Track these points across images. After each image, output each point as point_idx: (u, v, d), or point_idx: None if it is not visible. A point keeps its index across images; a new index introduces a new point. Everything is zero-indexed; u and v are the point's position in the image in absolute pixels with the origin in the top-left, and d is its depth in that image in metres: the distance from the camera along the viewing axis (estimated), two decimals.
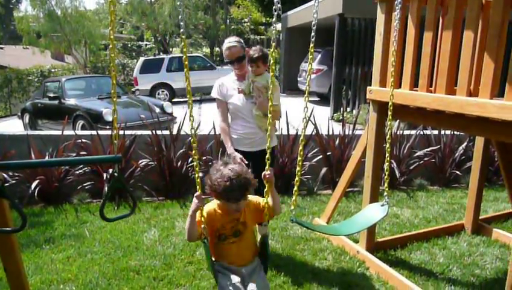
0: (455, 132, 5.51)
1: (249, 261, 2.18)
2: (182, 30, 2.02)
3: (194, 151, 2.07)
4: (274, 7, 2.01)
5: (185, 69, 2.03)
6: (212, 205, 2.14)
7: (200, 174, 2.05)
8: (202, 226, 2.07)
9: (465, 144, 5.49)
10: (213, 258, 2.17)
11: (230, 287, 2.05)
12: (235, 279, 2.09)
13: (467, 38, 2.45)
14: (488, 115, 2.27)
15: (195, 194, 2.02)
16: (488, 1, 2.65)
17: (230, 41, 3.23)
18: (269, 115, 2.20)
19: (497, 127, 2.34)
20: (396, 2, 2.46)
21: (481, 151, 3.74)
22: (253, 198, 2.18)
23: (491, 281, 3.12)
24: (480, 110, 2.32)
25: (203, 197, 2.04)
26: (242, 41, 3.30)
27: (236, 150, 3.21)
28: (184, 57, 2.03)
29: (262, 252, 2.23)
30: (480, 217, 3.98)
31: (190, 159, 4.87)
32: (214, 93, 3.31)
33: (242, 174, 1.97)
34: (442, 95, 2.61)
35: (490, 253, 3.53)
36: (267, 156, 2.12)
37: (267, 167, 2.09)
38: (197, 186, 2.04)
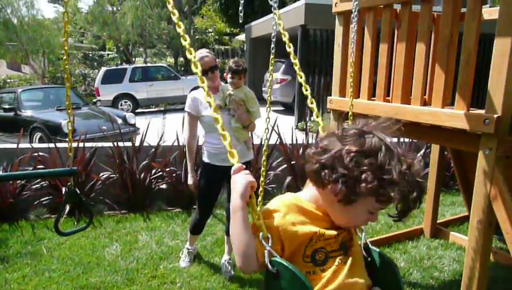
0: (413, 140, 5.71)
1: None
2: None
3: None
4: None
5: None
6: (296, 199, 1.17)
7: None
8: (261, 233, 1.06)
9: (422, 151, 5.70)
10: None
11: None
12: None
13: (420, 50, 2.56)
14: (441, 123, 2.38)
15: (236, 168, 1.12)
16: (439, 14, 2.78)
17: (202, 52, 3.17)
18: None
19: (450, 135, 2.45)
20: (352, 15, 2.53)
21: (437, 158, 3.90)
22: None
23: (449, 283, 3.24)
24: (433, 119, 2.42)
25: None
26: (212, 52, 3.32)
27: (213, 166, 3.13)
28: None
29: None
30: (438, 221, 4.13)
31: (154, 171, 4.79)
32: (186, 107, 3.17)
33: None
34: (399, 105, 2.70)
35: (448, 255, 3.67)
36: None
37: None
38: (234, 158, 1.14)
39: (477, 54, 2.23)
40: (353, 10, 2.49)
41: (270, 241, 1.04)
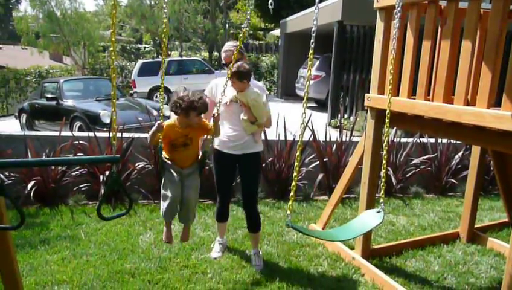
0: (452, 141, 5.54)
1: (190, 165, 2.85)
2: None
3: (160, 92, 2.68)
4: None
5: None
6: (172, 120, 2.79)
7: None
8: (160, 140, 2.74)
9: (461, 152, 5.53)
10: (165, 156, 2.83)
11: (170, 181, 2.80)
12: (175, 176, 2.81)
13: (465, 48, 2.47)
14: (485, 125, 2.29)
15: (158, 122, 2.69)
16: (486, 12, 2.68)
17: (228, 45, 3.28)
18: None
19: (494, 137, 2.37)
20: (395, 11, 2.48)
21: (477, 161, 3.76)
22: (204, 120, 2.86)
23: None
24: (477, 120, 2.33)
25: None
26: (239, 46, 3.28)
27: (222, 153, 3.23)
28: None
29: (202, 161, 2.90)
30: (475, 226, 4.00)
31: None
32: (206, 91, 3.31)
33: (197, 99, 2.68)
34: (440, 104, 2.63)
35: (485, 262, 3.55)
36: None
37: (216, 114, 2.78)
38: (161, 118, 2.68)
39: None
40: (396, 6, 2.43)
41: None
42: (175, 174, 2.82)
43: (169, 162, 2.83)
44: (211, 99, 3.23)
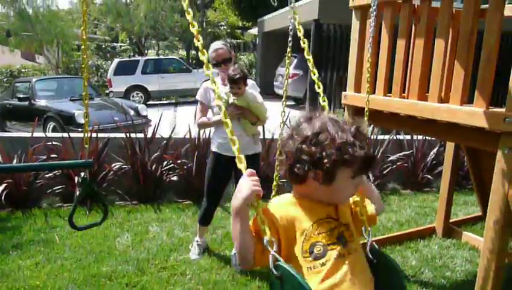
0: (427, 137, 5.65)
1: None
2: None
3: None
4: None
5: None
6: (285, 199, 1.24)
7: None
8: (266, 237, 1.08)
9: (436, 149, 5.64)
10: None
11: None
12: None
13: (438, 46, 2.51)
14: (458, 121, 2.34)
15: (247, 172, 1.13)
16: (458, 10, 2.73)
17: (217, 44, 3.26)
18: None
19: (467, 133, 2.41)
20: (371, 10, 2.49)
21: (451, 157, 3.84)
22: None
23: (461, 283, 3.20)
24: (450, 117, 2.38)
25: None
26: (228, 45, 3.33)
27: (220, 155, 3.19)
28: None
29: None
30: (450, 221, 4.09)
31: (165, 163, 4.81)
32: (198, 96, 3.27)
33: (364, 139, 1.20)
34: (415, 101, 2.66)
35: (460, 255, 3.63)
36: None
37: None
38: (241, 165, 1.14)
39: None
40: (372, 5, 2.45)
41: (274, 246, 1.07)
42: None
43: None
44: (204, 104, 3.23)
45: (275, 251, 1.06)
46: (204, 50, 1.18)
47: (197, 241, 3.56)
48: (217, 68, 3.23)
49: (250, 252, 1.14)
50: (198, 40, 1.17)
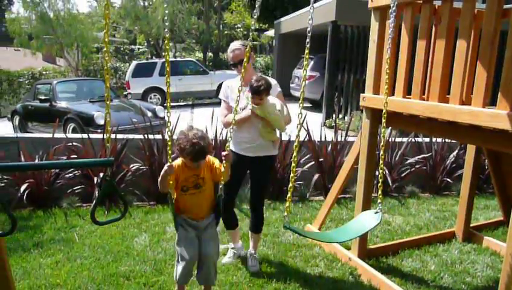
0: (446, 140, 5.56)
1: (205, 214, 2.60)
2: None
3: (168, 129, 2.39)
4: None
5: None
6: (179, 160, 2.52)
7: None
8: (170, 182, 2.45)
9: (456, 152, 5.54)
10: (177, 209, 2.57)
11: (186, 238, 2.53)
12: (192, 233, 2.56)
13: (460, 47, 2.47)
14: (481, 124, 2.29)
15: (167, 164, 2.38)
16: (480, 11, 2.68)
17: (235, 44, 3.22)
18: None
19: (489, 136, 2.37)
20: (390, 10, 2.47)
21: (472, 160, 3.77)
22: (210, 158, 2.62)
23: (482, 289, 3.13)
24: (472, 119, 2.33)
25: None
26: (246, 44, 3.11)
27: (236, 154, 3.15)
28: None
29: (217, 209, 2.66)
30: (471, 225, 4.01)
31: None
32: (220, 95, 3.27)
33: (202, 141, 2.39)
34: (436, 103, 2.62)
35: (481, 261, 3.55)
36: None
37: (226, 151, 2.56)
38: (169, 158, 2.41)
39: None
40: (391, 5, 2.43)
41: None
42: (190, 229, 2.56)
43: (184, 217, 2.57)
44: (226, 103, 3.22)
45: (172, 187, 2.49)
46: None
47: (230, 246, 3.54)
48: (234, 68, 3.23)
49: (166, 187, 2.45)
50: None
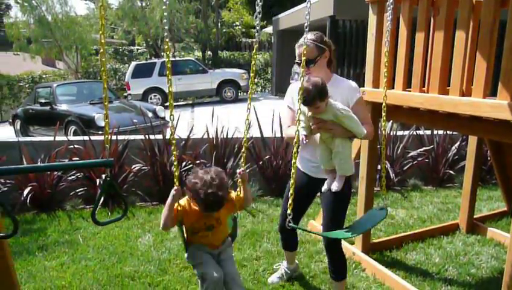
0: (448, 132, 5.54)
1: (222, 243, 2.33)
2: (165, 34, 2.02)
3: (173, 147, 2.15)
4: None
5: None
6: (185, 199, 2.19)
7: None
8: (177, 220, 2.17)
9: (457, 143, 5.53)
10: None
11: (206, 257, 2.25)
12: (207, 254, 2.28)
13: (459, 38, 2.46)
14: (482, 114, 2.28)
15: (174, 188, 2.09)
16: (478, 1, 2.67)
17: (303, 38, 2.29)
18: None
19: (490, 126, 2.35)
20: (387, 3, 2.46)
21: (474, 151, 3.76)
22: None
23: (487, 280, 3.13)
24: (473, 110, 2.32)
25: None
26: (320, 38, 2.53)
27: (300, 172, 2.68)
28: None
29: (233, 232, 2.42)
30: (474, 216, 4.00)
31: (184, 163, 4.85)
32: (286, 101, 2.67)
33: (220, 188, 2.06)
34: (436, 95, 2.61)
35: (485, 252, 3.54)
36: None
37: (243, 167, 2.25)
38: (175, 181, 2.12)
39: None
40: None
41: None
42: (206, 253, 2.28)
43: (197, 245, 2.29)
44: (291, 108, 2.65)
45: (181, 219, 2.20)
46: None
47: (284, 265, 3.17)
48: (299, 67, 2.40)
49: (171, 223, 2.16)
50: None
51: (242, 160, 2.28)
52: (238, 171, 2.25)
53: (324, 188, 2.51)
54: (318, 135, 2.41)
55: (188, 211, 2.17)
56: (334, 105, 2.31)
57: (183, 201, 2.18)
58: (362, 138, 2.45)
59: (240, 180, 2.26)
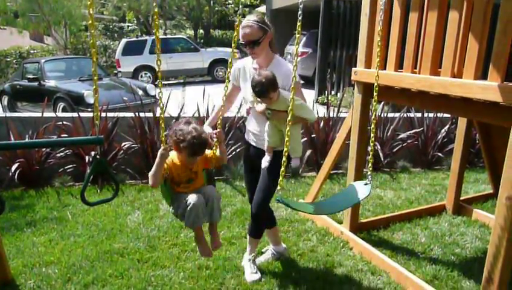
0: (438, 115, 5.58)
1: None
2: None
3: (161, 113, 2.21)
4: None
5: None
6: (171, 156, 2.35)
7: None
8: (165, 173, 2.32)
9: (447, 126, 5.57)
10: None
11: (188, 198, 2.30)
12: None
13: (452, 19, 2.45)
14: (472, 96, 2.29)
15: (162, 148, 2.21)
16: None
17: (247, 19, 2.51)
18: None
19: (481, 108, 2.37)
20: None
21: (463, 134, 3.79)
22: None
23: (471, 260, 3.20)
24: (464, 91, 2.33)
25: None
26: (263, 21, 2.54)
27: (248, 146, 2.85)
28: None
29: (212, 183, 2.58)
30: (461, 198, 4.06)
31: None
32: (230, 77, 2.61)
33: (202, 134, 2.28)
34: (427, 76, 2.61)
35: (470, 233, 3.62)
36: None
37: (218, 129, 2.45)
38: (162, 143, 2.24)
39: None
40: None
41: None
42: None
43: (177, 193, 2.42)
44: (235, 85, 2.79)
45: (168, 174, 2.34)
46: None
47: (272, 248, 3.18)
48: (246, 49, 2.57)
49: (159, 180, 2.26)
50: None
51: (219, 122, 2.51)
52: (214, 131, 2.43)
53: (263, 165, 2.64)
54: (259, 107, 2.52)
55: (172, 166, 2.35)
56: (285, 95, 2.41)
57: (169, 159, 2.33)
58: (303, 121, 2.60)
59: (215, 140, 2.45)
